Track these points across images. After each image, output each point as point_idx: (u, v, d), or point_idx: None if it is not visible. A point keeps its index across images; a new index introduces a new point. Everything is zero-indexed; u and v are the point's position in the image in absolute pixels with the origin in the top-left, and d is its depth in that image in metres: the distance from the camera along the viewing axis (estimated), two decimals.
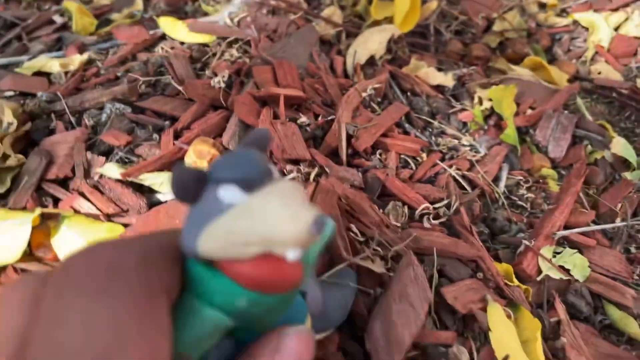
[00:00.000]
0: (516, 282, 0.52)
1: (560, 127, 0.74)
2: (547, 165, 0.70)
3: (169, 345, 0.20)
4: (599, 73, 0.89)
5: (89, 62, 0.79)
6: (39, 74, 0.76)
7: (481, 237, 0.56)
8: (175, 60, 0.72)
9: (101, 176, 0.56)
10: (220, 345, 0.25)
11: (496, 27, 0.97)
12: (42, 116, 0.66)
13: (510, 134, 0.72)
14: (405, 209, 0.55)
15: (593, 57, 0.93)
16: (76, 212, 0.53)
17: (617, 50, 0.92)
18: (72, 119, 0.65)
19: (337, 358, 0.41)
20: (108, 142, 0.60)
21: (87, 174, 0.57)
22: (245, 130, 0.60)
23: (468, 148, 0.69)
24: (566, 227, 0.60)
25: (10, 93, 0.71)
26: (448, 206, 0.57)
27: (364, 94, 0.70)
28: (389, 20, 0.89)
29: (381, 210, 0.54)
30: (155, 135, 0.61)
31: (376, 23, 0.89)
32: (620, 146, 0.72)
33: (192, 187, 0.21)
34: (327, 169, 0.57)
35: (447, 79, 0.81)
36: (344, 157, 0.60)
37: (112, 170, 0.56)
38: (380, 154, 0.63)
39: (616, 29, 0.96)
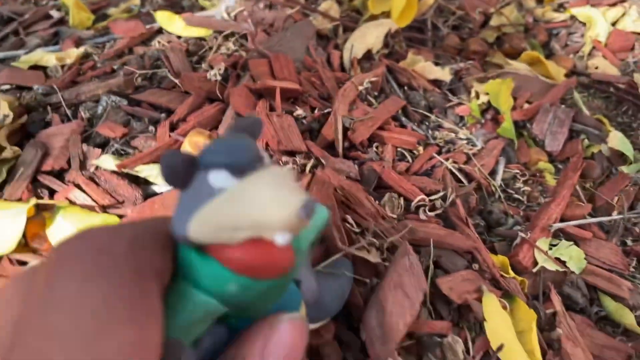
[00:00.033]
0: (512, 273, 0.52)
1: (557, 121, 0.74)
2: (544, 159, 0.70)
3: (159, 330, 0.20)
4: (596, 68, 0.89)
5: (86, 56, 0.78)
6: (35, 67, 0.76)
7: (477, 230, 0.56)
8: (171, 54, 0.72)
9: (97, 168, 0.56)
10: (213, 331, 0.25)
11: (493, 22, 0.97)
12: (38, 109, 0.66)
13: (507, 127, 0.71)
14: (401, 200, 0.55)
15: (590, 52, 0.93)
16: (72, 203, 0.53)
17: (614, 45, 0.92)
18: (68, 112, 0.65)
19: (333, 347, 0.41)
20: (104, 134, 0.60)
21: (82, 166, 0.57)
22: None
23: (465, 141, 0.69)
24: (562, 220, 0.60)
25: (7, 86, 0.71)
26: (444, 198, 0.57)
27: (360, 88, 0.69)
28: (386, 15, 0.89)
29: (377, 202, 0.54)
30: (151, 128, 0.61)
31: (373, 18, 0.89)
32: (617, 140, 0.72)
33: (182, 172, 0.21)
34: (323, 161, 0.57)
35: (444, 74, 0.81)
36: (340, 150, 0.60)
37: (107, 162, 0.56)
38: (376, 147, 0.63)
39: (613, 24, 0.96)
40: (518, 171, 0.67)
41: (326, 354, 0.41)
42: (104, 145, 0.60)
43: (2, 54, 0.81)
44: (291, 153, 0.57)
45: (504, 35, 0.94)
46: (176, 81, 0.67)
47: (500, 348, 0.41)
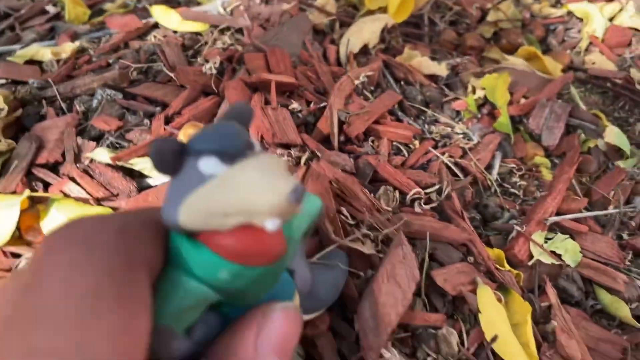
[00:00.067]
0: (507, 267, 0.52)
1: (553, 116, 0.74)
2: (540, 154, 0.70)
3: (147, 317, 0.20)
4: (593, 63, 0.89)
5: (81, 51, 0.78)
6: (31, 62, 0.76)
7: (473, 224, 0.56)
8: (167, 48, 0.72)
9: (91, 161, 0.56)
10: (206, 320, 0.25)
11: (490, 17, 0.96)
12: (33, 103, 0.66)
13: (503, 122, 0.71)
14: (397, 193, 0.55)
15: (587, 48, 0.93)
16: (66, 196, 0.53)
17: (611, 40, 0.92)
18: (63, 105, 0.64)
19: (327, 338, 0.41)
20: (98, 127, 0.60)
21: (77, 159, 0.57)
22: None
23: (461, 136, 0.69)
24: (558, 214, 0.60)
25: (2, 81, 0.70)
26: (439, 192, 0.57)
27: (356, 82, 0.69)
28: (383, 10, 0.89)
29: (372, 195, 0.53)
30: (146, 121, 0.61)
31: (370, 13, 0.89)
32: (613, 135, 0.72)
33: (172, 159, 0.21)
34: (318, 154, 0.56)
35: (440, 69, 0.81)
36: (335, 143, 0.60)
37: (102, 154, 0.55)
38: (372, 141, 0.62)
39: (610, 19, 0.96)
40: (514, 165, 0.66)
41: (321, 344, 0.41)
42: (98, 138, 0.60)
43: None
44: (286, 146, 0.57)
45: (501, 31, 0.94)
46: (171, 75, 0.67)
47: (494, 339, 0.41)
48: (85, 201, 0.52)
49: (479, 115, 0.74)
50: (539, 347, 0.45)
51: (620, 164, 0.70)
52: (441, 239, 0.51)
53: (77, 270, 0.19)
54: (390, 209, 0.53)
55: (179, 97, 0.62)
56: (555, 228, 0.59)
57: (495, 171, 0.65)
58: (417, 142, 0.65)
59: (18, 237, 0.50)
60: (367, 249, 0.45)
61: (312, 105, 0.64)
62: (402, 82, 0.78)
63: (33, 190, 0.54)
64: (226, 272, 0.22)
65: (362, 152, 0.60)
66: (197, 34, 0.80)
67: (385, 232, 0.48)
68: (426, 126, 0.70)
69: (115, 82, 0.66)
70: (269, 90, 0.62)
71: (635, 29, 0.93)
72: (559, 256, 0.54)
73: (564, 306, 0.50)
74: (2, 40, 0.85)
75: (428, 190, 0.56)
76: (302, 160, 0.55)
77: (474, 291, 0.46)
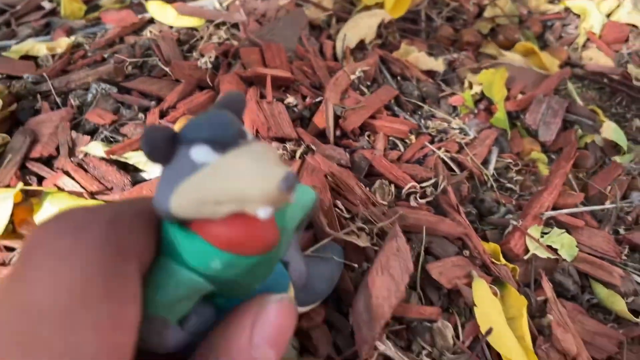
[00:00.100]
0: (503, 261, 0.52)
1: (550, 112, 0.74)
2: (537, 149, 0.70)
3: (137, 308, 0.20)
4: (591, 59, 0.89)
5: (77, 46, 0.78)
6: (26, 57, 0.76)
7: (469, 218, 0.56)
8: (162, 42, 0.72)
9: (86, 155, 0.56)
10: (199, 311, 0.25)
11: (487, 13, 0.96)
12: (28, 97, 0.65)
13: (500, 117, 0.71)
14: (392, 187, 0.55)
15: (584, 44, 0.92)
16: (60, 190, 0.53)
17: (608, 36, 0.92)
18: (58, 100, 0.64)
19: (323, 331, 0.41)
20: (93, 121, 0.59)
21: (71, 153, 0.56)
22: None
23: (457, 131, 0.69)
24: (555, 209, 0.59)
25: None
26: (435, 186, 0.57)
27: (352, 77, 0.69)
28: (380, 6, 0.89)
29: (368, 189, 0.53)
30: (140, 115, 0.61)
31: (367, 9, 0.89)
32: (610, 130, 0.72)
33: (163, 147, 0.21)
34: (313, 148, 0.56)
35: (437, 64, 0.81)
36: (331, 138, 0.60)
37: (96, 148, 0.55)
38: (368, 135, 0.62)
39: (608, 15, 0.96)
40: (511, 161, 0.66)
41: (316, 337, 0.40)
42: (93, 132, 0.60)
43: None
44: (281, 140, 0.56)
45: (498, 27, 0.94)
46: (167, 69, 0.67)
47: (489, 332, 0.41)
48: (79, 195, 0.52)
49: (476, 111, 0.74)
50: (534, 340, 0.45)
51: (617, 159, 0.70)
52: (437, 233, 0.51)
53: (66, 261, 0.19)
54: (385, 202, 0.53)
55: (173, 91, 0.62)
56: (552, 222, 0.58)
57: (491, 166, 0.65)
58: (413, 137, 0.65)
59: (12, 230, 0.50)
60: (362, 241, 0.45)
61: (307, 99, 0.64)
62: (398, 78, 0.77)
63: (27, 184, 0.53)
64: (218, 261, 0.22)
65: (358, 146, 0.60)
66: (193, 29, 0.79)
67: (381, 225, 0.48)
68: (422, 121, 0.70)
69: (110, 77, 0.66)
70: (264, 84, 0.62)
71: (633, 25, 0.93)
72: (555, 250, 0.54)
73: (560, 300, 0.50)
74: None
75: (424, 185, 0.56)
76: (298, 154, 0.54)
77: (469, 285, 0.46)
